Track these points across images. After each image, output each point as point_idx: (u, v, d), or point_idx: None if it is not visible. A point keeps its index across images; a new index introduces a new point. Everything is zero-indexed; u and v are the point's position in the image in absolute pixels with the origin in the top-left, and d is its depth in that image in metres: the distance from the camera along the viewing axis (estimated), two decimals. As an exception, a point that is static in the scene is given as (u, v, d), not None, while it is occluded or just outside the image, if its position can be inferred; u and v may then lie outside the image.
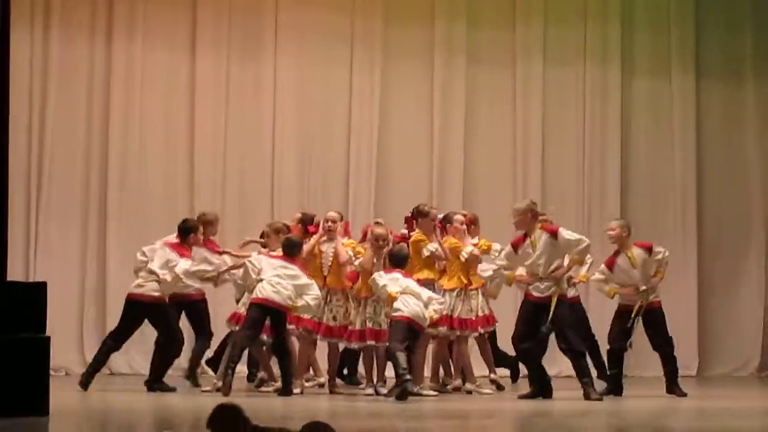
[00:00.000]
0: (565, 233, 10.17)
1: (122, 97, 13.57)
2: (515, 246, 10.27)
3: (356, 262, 10.62)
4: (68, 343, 12.88)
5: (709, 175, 14.76)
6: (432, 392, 10.67)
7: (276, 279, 10.23)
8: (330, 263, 10.69)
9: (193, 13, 13.75)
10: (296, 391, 10.41)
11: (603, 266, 10.87)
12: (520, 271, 10.31)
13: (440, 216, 11.13)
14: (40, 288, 7.89)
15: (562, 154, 14.47)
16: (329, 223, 10.77)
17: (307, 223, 11.23)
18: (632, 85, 14.64)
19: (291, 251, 10.42)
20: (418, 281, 10.52)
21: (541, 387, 10.26)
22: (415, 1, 14.22)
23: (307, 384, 10.92)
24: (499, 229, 12.49)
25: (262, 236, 11.29)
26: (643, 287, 10.64)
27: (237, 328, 10.69)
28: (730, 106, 14.89)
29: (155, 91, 13.70)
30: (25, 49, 13.02)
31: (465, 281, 10.86)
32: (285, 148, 13.92)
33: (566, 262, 10.28)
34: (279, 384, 10.55)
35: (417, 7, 14.21)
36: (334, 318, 10.66)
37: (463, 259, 10.82)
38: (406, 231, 11.05)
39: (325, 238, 10.78)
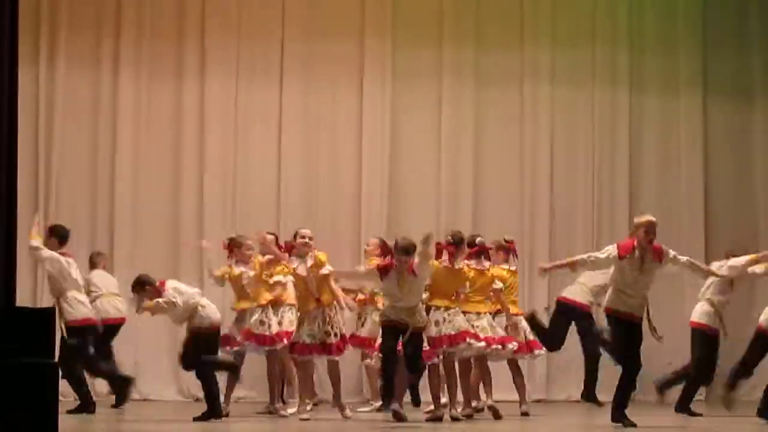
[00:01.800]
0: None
1: (130, 126, 13.63)
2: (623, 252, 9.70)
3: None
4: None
5: (717, 195, 14.78)
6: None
7: None
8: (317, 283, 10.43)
9: (201, 43, 13.84)
10: (305, 416, 10.41)
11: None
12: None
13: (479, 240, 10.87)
14: (48, 313, 7.93)
15: (570, 175, 14.52)
16: (306, 239, 10.51)
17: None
18: (641, 105, 14.69)
19: None
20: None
21: None
22: (423, 23, 14.29)
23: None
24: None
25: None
26: None
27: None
28: (738, 126, 14.92)
29: (163, 120, 13.77)
30: (31, 84, 13.13)
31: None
32: (294, 175, 13.96)
33: None
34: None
35: (425, 29, 14.27)
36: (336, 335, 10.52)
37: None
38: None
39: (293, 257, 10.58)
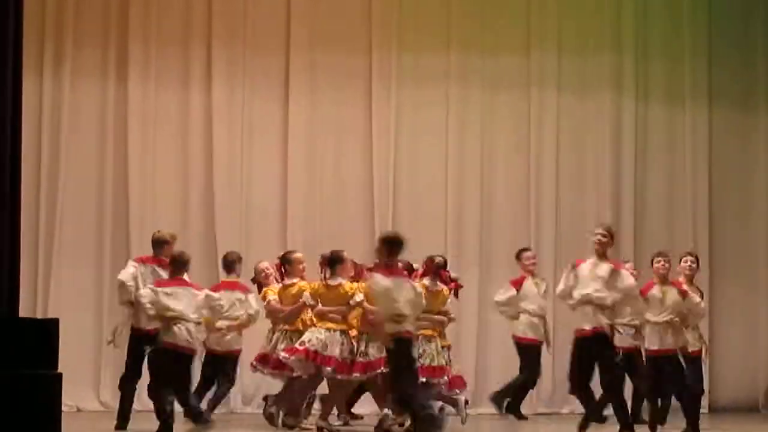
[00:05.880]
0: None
1: (137, 136, 13.53)
2: None
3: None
4: (82, 380, 12.85)
5: (722, 203, 14.76)
6: None
7: None
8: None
9: (207, 52, 13.82)
10: None
11: None
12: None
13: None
14: (53, 324, 7.93)
15: (576, 182, 14.48)
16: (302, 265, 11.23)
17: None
18: (646, 113, 14.66)
19: None
20: None
21: None
22: (430, 31, 14.22)
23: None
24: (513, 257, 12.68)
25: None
26: None
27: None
28: (742, 134, 14.91)
29: (170, 130, 13.71)
30: (35, 94, 13.08)
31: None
32: (301, 184, 13.86)
33: None
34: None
35: (432, 37, 14.21)
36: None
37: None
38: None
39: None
